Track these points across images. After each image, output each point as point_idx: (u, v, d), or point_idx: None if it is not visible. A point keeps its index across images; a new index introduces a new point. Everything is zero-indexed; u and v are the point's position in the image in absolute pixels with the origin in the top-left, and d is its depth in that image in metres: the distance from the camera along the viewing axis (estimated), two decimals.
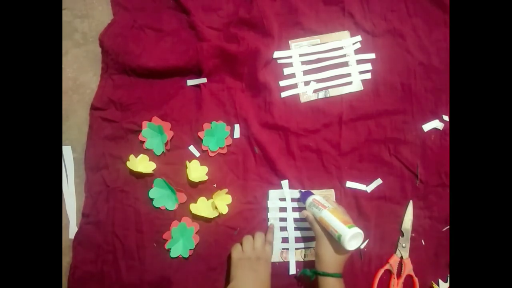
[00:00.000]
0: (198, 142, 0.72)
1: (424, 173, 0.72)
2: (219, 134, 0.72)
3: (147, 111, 0.73)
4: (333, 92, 0.75)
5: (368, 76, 0.75)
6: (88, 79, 0.75)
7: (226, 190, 0.69)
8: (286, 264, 0.68)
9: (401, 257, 0.69)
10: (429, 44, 0.77)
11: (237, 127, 0.73)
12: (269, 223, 0.69)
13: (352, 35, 0.77)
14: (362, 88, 0.75)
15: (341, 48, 0.77)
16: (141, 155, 0.71)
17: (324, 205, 0.61)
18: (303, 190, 0.69)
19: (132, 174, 0.70)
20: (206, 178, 0.70)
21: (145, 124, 0.72)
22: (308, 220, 0.62)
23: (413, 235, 0.70)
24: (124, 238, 0.67)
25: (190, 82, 0.75)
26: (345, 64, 0.76)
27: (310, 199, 0.64)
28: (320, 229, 0.60)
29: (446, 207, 0.71)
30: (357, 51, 0.77)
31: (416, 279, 0.68)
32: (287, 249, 0.69)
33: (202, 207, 0.69)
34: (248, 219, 0.70)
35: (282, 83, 0.75)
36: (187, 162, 0.70)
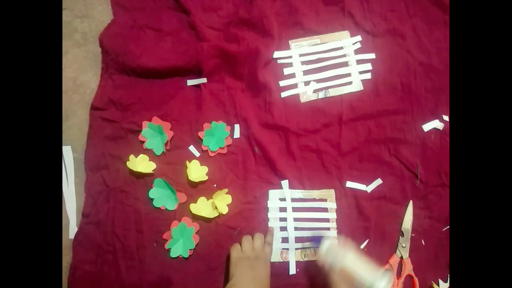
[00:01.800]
0: (198, 142, 0.72)
1: (424, 173, 0.72)
2: (219, 134, 0.72)
3: (147, 111, 0.73)
4: (333, 92, 0.75)
5: (368, 76, 0.75)
6: (88, 79, 0.75)
7: (226, 190, 0.69)
8: (286, 264, 0.68)
9: (401, 257, 0.69)
10: (429, 44, 0.77)
11: (237, 127, 0.73)
12: (269, 223, 0.69)
13: (352, 35, 0.77)
14: (362, 88, 0.75)
15: (341, 48, 0.77)
16: (141, 155, 0.71)
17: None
18: (316, 235, 0.65)
19: (132, 174, 0.70)
20: (206, 178, 0.70)
21: (145, 124, 0.72)
22: (324, 270, 0.56)
23: (413, 235, 0.70)
24: (124, 238, 0.67)
25: (190, 82, 0.75)
26: (345, 64, 0.76)
27: (327, 243, 0.58)
28: (338, 280, 0.54)
29: (446, 207, 0.71)
30: (357, 51, 0.77)
31: (416, 279, 0.68)
32: (287, 249, 0.68)
33: (202, 207, 0.69)
34: (248, 219, 0.70)
35: (282, 83, 0.75)
36: (187, 162, 0.70)
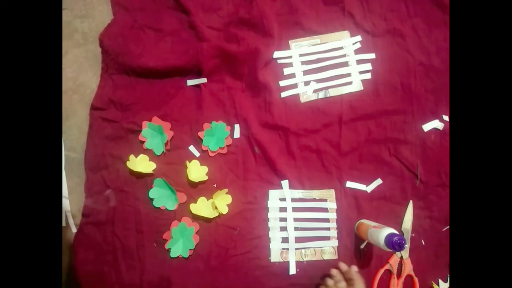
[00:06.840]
0: (198, 142, 0.72)
1: (424, 173, 0.72)
2: (219, 134, 0.72)
3: (147, 111, 0.73)
4: (333, 92, 0.75)
5: (368, 76, 0.75)
6: (88, 79, 0.75)
7: (226, 190, 0.69)
8: (286, 264, 0.68)
9: (401, 257, 0.69)
10: (429, 44, 0.77)
11: (237, 127, 0.73)
12: (269, 223, 0.69)
13: (352, 35, 0.77)
14: (362, 88, 0.75)
15: (341, 48, 0.77)
16: (141, 155, 0.71)
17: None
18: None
19: (132, 174, 0.70)
20: (206, 178, 0.70)
21: (145, 124, 0.72)
22: None
23: (413, 235, 0.70)
24: (124, 238, 0.67)
25: (190, 82, 0.75)
26: (345, 64, 0.76)
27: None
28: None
29: (446, 207, 0.71)
30: (357, 51, 0.77)
31: (416, 279, 0.68)
32: (287, 249, 0.69)
33: (202, 207, 0.69)
34: (248, 219, 0.70)
35: (282, 83, 0.75)
36: (187, 162, 0.70)
